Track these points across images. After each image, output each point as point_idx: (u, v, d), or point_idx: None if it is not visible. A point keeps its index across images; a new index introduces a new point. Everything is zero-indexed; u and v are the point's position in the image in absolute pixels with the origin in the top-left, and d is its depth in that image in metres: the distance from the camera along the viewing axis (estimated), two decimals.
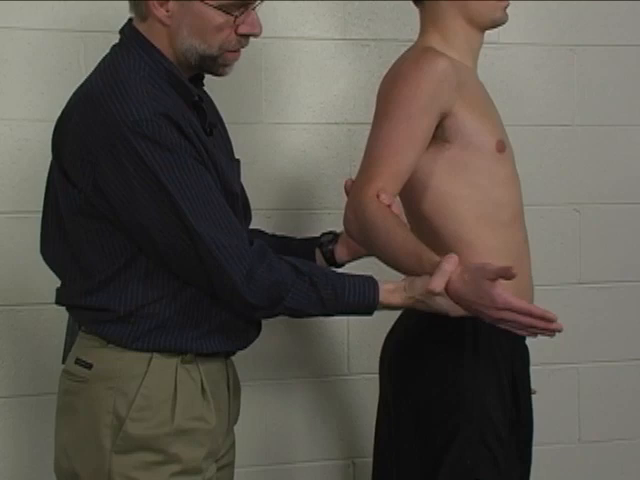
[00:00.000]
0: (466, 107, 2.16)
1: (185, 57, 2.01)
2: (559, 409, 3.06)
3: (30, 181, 2.57)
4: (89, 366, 2.00)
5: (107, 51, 2.06)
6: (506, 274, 1.90)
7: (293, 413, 2.88)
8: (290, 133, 2.86)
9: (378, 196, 2.06)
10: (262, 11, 2.04)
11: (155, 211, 1.91)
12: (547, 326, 1.93)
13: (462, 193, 2.17)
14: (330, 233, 2.34)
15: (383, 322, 2.24)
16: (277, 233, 2.39)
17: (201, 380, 2.03)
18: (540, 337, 2.02)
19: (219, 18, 1.98)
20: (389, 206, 2.06)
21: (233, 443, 2.18)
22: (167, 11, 1.97)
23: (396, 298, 2.02)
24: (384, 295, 2.02)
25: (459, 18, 2.22)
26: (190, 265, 1.95)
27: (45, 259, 2.11)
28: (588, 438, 3.12)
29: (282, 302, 1.97)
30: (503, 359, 2.20)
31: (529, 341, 2.25)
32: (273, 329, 2.51)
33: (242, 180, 2.19)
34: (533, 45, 3.04)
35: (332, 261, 2.31)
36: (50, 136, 2.05)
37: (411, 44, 2.28)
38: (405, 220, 2.21)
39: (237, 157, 2.21)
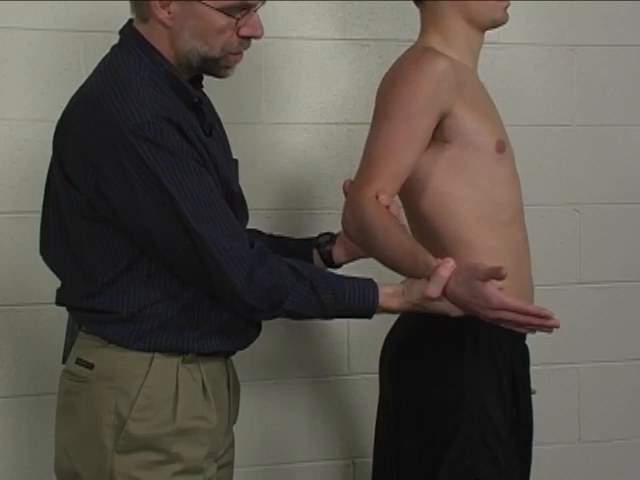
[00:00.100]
0: (466, 107, 2.16)
1: (187, 59, 2.01)
2: (559, 409, 3.06)
3: (30, 181, 2.57)
4: (90, 366, 2.01)
5: (107, 51, 2.06)
6: (497, 274, 1.90)
7: (293, 413, 2.88)
8: (290, 133, 2.86)
9: (377, 197, 2.06)
10: (262, 11, 2.03)
11: (157, 213, 1.92)
12: (544, 323, 1.93)
13: (462, 193, 2.17)
14: (328, 234, 2.34)
15: (383, 322, 2.24)
16: (274, 233, 2.39)
17: (202, 379, 2.03)
18: (540, 337, 2.03)
19: (221, 20, 1.98)
20: (387, 207, 2.06)
21: (232, 442, 2.18)
22: (169, 13, 1.97)
23: (394, 302, 2.03)
24: (383, 299, 2.02)
25: (459, 18, 2.22)
26: (191, 266, 1.95)
27: (45, 260, 2.11)
28: (588, 438, 3.12)
29: (282, 305, 1.97)
30: (503, 359, 2.20)
31: (529, 341, 2.26)
32: (273, 329, 2.51)
33: (241, 180, 2.19)
34: (533, 45, 3.04)
35: (329, 262, 2.31)
36: (50, 136, 2.05)
37: (411, 44, 2.28)
38: (404, 220, 2.21)
39: (236, 157, 2.21)
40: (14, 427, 2.67)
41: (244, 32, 2.01)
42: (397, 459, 2.22)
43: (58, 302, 2.11)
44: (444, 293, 1.96)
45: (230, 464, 2.18)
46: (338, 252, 2.31)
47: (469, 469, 2.13)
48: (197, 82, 2.11)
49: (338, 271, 2.20)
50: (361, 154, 2.15)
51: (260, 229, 2.37)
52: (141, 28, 2.01)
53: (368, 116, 2.20)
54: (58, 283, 2.11)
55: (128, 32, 2.03)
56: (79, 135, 1.95)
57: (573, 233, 3.09)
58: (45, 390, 2.59)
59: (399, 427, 2.21)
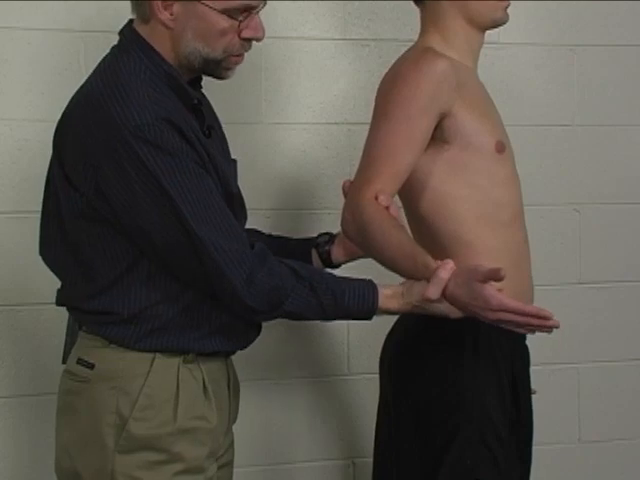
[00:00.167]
0: (466, 108, 2.15)
1: (188, 60, 2.01)
2: (559, 409, 3.06)
3: (30, 181, 2.57)
4: (91, 366, 2.01)
5: (107, 51, 2.06)
6: (496, 276, 1.91)
7: (293, 413, 2.88)
8: (290, 133, 2.86)
9: (376, 198, 2.06)
10: (262, 11, 2.03)
11: (157, 215, 1.92)
12: (543, 323, 1.94)
13: (462, 193, 2.17)
14: (326, 234, 2.34)
15: (383, 322, 2.24)
16: (274, 233, 2.39)
17: (203, 379, 2.04)
18: (540, 337, 2.03)
19: (223, 22, 1.98)
20: (387, 208, 2.06)
21: (232, 442, 2.18)
22: (171, 14, 1.97)
23: (394, 304, 2.03)
24: (382, 300, 2.02)
25: (459, 18, 2.22)
26: (191, 268, 1.95)
27: (45, 260, 2.11)
28: (588, 438, 3.12)
29: (282, 306, 1.97)
30: (503, 359, 2.20)
31: (529, 341, 2.26)
32: (273, 329, 2.51)
33: (241, 180, 2.19)
34: (533, 45, 3.04)
35: (328, 262, 2.31)
36: (50, 136, 2.05)
37: (411, 44, 2.28)
38: (404, 221, 2.21)
39: (236, 157, 2.21)
40: (14, 427, 2.67)
41: (246, 34, 2.01)
42: (397, 459, 2.22)
43: (58, 303, 2.11)
44: (444, 295, 1.97)
45: (230, 464, 2.18)
46: (337, 252, 2.31)
47: (469, 469, 2.13)
48: (196, 83, 2.11)
49: (337, 271, 2.20)
50: (361, 154, 2.15)
51: (260, 229, 2.37)
52: (141, 29, 2.01)
53: (368, 116, 2.20)
54: (58, 283, 2.11)
55: (128, 33, 2.03)
56: (79, 136, 1.95)
57: (573, 233, 3.09)
58: (45, 390, 2.59)
59: (399, 427, 2.21)
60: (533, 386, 2.33)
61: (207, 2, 1.95)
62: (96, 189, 1.94)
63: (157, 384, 1.99)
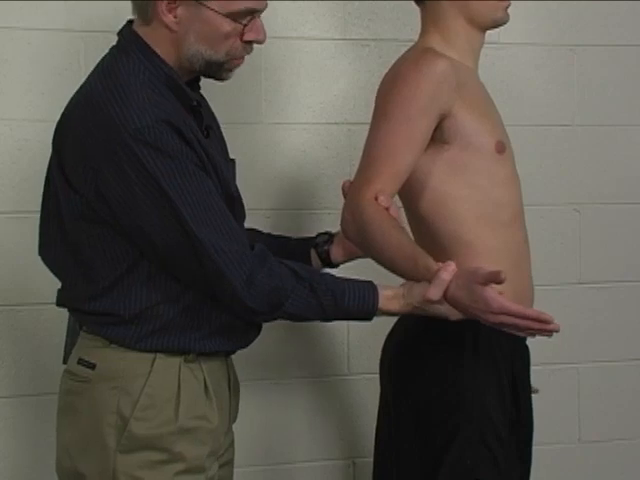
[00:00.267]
0: (466, 108, 2.15)
1: (190, 62, 2.01)
2: (559, 409, 3.06)
3: (30, 181, 2.57)
4: (92, 366, 2.01)
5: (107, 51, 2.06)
6: (496, 279, 1.90)
7: (293, 413, 2.88)
8: (290, 133, 2.86)
9: (376, 198, 2.06)
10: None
11: (156, 217, 1.92)
12: (543, 327, 1.94)
13: (462, 193, 2.17)
14: (326, 234, 2.34)
15: (383, 323, 2.24)
16: (273, 233, 2.39)
17: (204, 379, 2.04)
18: (540, 337, 2.03)
19: (227, 26, 1.98)
20: (387, 209, 2.06)
21: (232, 441, 2.19)
22: (175, 17, 1.97)
23: (394, 305, 2.03)
24: (383, 301, 2.02)
25: (460, 18, 2.22)
26: (191, 270, 1.96)
27: (44, 260, 2.11)
28: (588, 438, 3.12)
29: (282, 307, 1.98)
30: (503, 359, 2.20)
31: (529, 341, 2.26)
32: (273, 329, 2.50)
33: (241, 180, 2.19)
34: (533, 45, 3.04)
35: (327, 262, 2.31)
36: (50, 136, 2.05)
37: (411, 44, 2.28)
38: (405, 221, 2.21)
39: (236, 157, 2.21)
40: (14, 427, 2.67)
41: (248, 37, 2.01)
42: (397, 459, 2.22)
43: (59, 304, 2.11)
44: (444, 296, 1.97)
45: (230, 463, 2.19)
46: (336, 252, 2.31)
47: (469, 469, 2.13)
48: (194, 84, 2.11)
49: (336, 271, 2.20)
50: (361, 154, 2.15)
51: (260, 229, 2.37)
52: (142, 30, 2.01)
53: (368, 116, 2.20)
54: (58, 283, 2.11)
55: (127, 34, 2.03)
56: (79, 137, 1.95)
57: (573, 233, 3.09)
58: (45, 390, 2.59)
59: (399, 427, 2.21)
60: (534, 386, 2.33)
61: (212, 5, 1.95)
62: (96, 191, 1.94)
63: (158, 384, 1.99)
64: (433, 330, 2.13)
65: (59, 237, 2.04)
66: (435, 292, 1.96)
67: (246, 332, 2.10)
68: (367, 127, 2.17)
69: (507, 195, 2.22)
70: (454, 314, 2.01)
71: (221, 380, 2.10)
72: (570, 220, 3.08)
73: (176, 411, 1.99)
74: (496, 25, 2.27)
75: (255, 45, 2.06)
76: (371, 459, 2.34)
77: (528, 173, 2.44)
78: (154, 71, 1.98)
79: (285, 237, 2.38)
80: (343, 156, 2.87)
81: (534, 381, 2.33)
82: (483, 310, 1.94)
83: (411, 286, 2.02)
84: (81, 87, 2.04)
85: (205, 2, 1.95)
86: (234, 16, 1.97)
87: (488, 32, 2.28)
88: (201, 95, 2.15)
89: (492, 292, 1.92)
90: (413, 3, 2.30)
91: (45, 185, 2.09)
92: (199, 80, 2.12)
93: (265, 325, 2.13)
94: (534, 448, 2.31)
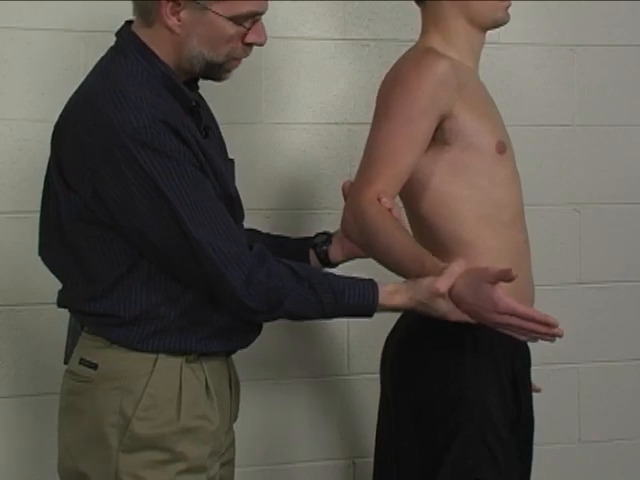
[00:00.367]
0: (466, 108, 2.15)
1: (190, 64, 2.01)
2: (559, 409, 3.06)
3: (30, 181, 2.57)
4: (94, 366, 2.01)
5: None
6: (506, 277, 1.90)
7: (293, 413, 2.88)
8: (290, 133, 2.86)
9: (379, 199, 2.06)
10: None
11: (154, 217, 1.92)
12: (549, 331, 1.93)
13: (462, 194, 2.17)
14: (324, 234, 2.34)
15: (383, 322, 2.24)
16: (272, 232, 2.39)
17: (205, 379, 2.04)
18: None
19: (230, 29, 1.98)
20: (390, 210, 2.06)
21: (233, 441, 2.19)
22: (179, 20, 1.97)
23: (397, 299, 2.03)
24: (384, 297, 2.02)
25: (460, 18, 2.22)
26: (189, 270, 1.96)
27: (44, 261, 2.12)
28: (588, 438, 3.12)
29: (281, 306, 1.98)
30: (503, 358, 2.20)
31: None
32: (273, 329, 2.50)
33: (241, 180, 2.19)
34: (533, 45, 3.04)
35: (326, 261, 2.31)
36: (50, 136, 2.05)
37: (411, 44, 2.28)
38: (405, 222, 2.21)
39: (236, 157, 2.21)
40: (15, 427, 2.67)
41: (249, 39, 2.02)
42: (397, 457, 2.22)
43: (60, 305, 2.11)
44: (449, 294, 1.97)
45: (231, 462, 2.19)
46: (335, 252, 2.31)
47: (469, 469, 2.13)
48: (192, 84, 2.11)
49: (336, 271, 2.20)
50: (361, 154, 2.15)
51: (259, 229, 2.37)
52: (142, 32, 2.01)
53: (368, 116, 2.20)
54: (58, 283, 2.11)
55: (125, 35, 2.03)
56: (77, 136, 1.95)
57: (573, 233, 3.09)
58: (46, 390, 2.59)
59: (399, 425, 2.21)
60: (536, 385, 2.33)
61: (216, 9, 1.95)
62: (93, 192, 1.94)
63: (160, 384, 1.99)
64: (435, 327, 2.13)
65: (58, 237, 2.04)
66: (444, 283, 1.96)
67: (247, 332, 2.10)
68: (367, 127, 2.17)
69: (508, 195, 2.22)
70: (455, 314, 2.01)
71: (222, 380, 2.10)
72: (570, 220, 3.08)
73: (178, 411, 1.99)
74: (497, 25, 2.27)
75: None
76: (372, 459, 2.34)
77: (528, 173, 2.43)
78: (152, 72, 1.98)
79: (284, 237, 2.38)
80: (343, 156, 2.87)
81: (534, 381, 2.33)
82: (488, 309, 1.94)
83: (417, 281, 2.02)
84: (80, 87, 2.04)
85: (209, 6, 1.95)
86: (237, 19, 1.98)
87: (488, 32, 2.28)
88: (200, 95, 2.15)
89: (501, 292, 1.92)
90: (413, 3, 2.30)
91: (44, 185, 2.09)
92: (197, 80, 2.12)
93: (265, 325, 2.13)
94: (534, 448, 2.31)
